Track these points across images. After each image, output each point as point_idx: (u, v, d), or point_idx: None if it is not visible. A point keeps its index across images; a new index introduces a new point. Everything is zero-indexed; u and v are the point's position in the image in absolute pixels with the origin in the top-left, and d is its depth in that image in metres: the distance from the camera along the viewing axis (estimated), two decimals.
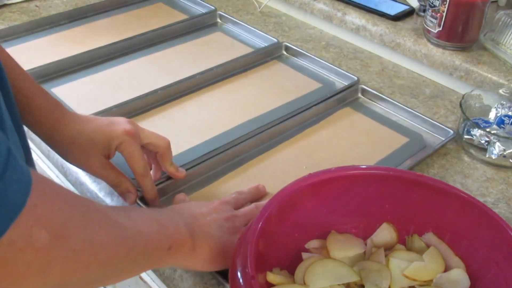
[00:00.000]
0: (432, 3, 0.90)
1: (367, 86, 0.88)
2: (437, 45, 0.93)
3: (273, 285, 0.52)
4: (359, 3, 1.04)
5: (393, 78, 0.94)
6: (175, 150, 0.75)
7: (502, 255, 0.52)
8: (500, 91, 0.82)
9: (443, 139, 0.78)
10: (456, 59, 0.90)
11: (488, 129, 0.76)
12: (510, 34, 0.89)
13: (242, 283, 0.47)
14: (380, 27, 0.99)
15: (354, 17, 1.02)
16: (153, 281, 0.72)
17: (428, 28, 0.92)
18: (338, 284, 0.52)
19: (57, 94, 0.86)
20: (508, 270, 0.52)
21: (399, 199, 0.59)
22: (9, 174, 0.34)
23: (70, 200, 0.41)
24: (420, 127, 0.81)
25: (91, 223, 0.42)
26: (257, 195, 0.67)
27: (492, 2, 1.03)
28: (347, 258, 0.56)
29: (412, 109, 0.83)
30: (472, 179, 0.73)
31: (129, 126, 0.63)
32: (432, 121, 0.81)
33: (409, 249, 0.58)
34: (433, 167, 0.75)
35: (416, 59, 0.96)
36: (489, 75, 0.87)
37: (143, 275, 0.74)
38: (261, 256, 0.50)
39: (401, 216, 0.59)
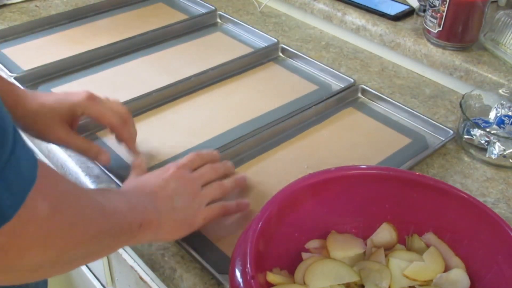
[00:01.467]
0: (432, 3, 0.90)
1: (367, 86, 0.88)
2: (437, 45, 0.93)
3: (273, 285, 0.52)
4: (359, 3, 1.04)
5: (393, 78, 0.94)
6: (174, 151, 0.75)
7: (502, 255, 0.52)
8: (500, 91, 0.82)
9: (443, 139, 0.78)
10: (456, 59, 0.90)
11: (488, 129, 0.76)
12: (510, 34, 0.89)
13: (241, 283, 0.47)
14: (380, 27, 0.99)
15: (354, 17, 1.02)
16: (153, 281, 0.72)
17: (428, 28, 0.92)
18: (338, 284, 0.53)
19: None
20: (508, 270, 0.52)
21: (399, 199, 0.59)
22: (18, 149, 0.36)
23: (61, 177, 0.44)
24: (420, 127, 0.81)
25: (79, 199, 0.45)
26: (214, 160, 0.67)
27: (492, 2, 1.03)
28: (347, 258, 0.56)
29: (412, 109, 0.83)
30: (472, 179, 0.73)
31: (88, 92, 0.66)
32: (432, 121, 0.80)
33: (409, 249, 0.58)
34: (433, 167, 0.74)
35: (416, 59, 0.96)
36: (489, 75, 0.87)
37: (143, 275, 0.74)
38: (261, 256, 0.50)
39: (401, 216, 0.59)
